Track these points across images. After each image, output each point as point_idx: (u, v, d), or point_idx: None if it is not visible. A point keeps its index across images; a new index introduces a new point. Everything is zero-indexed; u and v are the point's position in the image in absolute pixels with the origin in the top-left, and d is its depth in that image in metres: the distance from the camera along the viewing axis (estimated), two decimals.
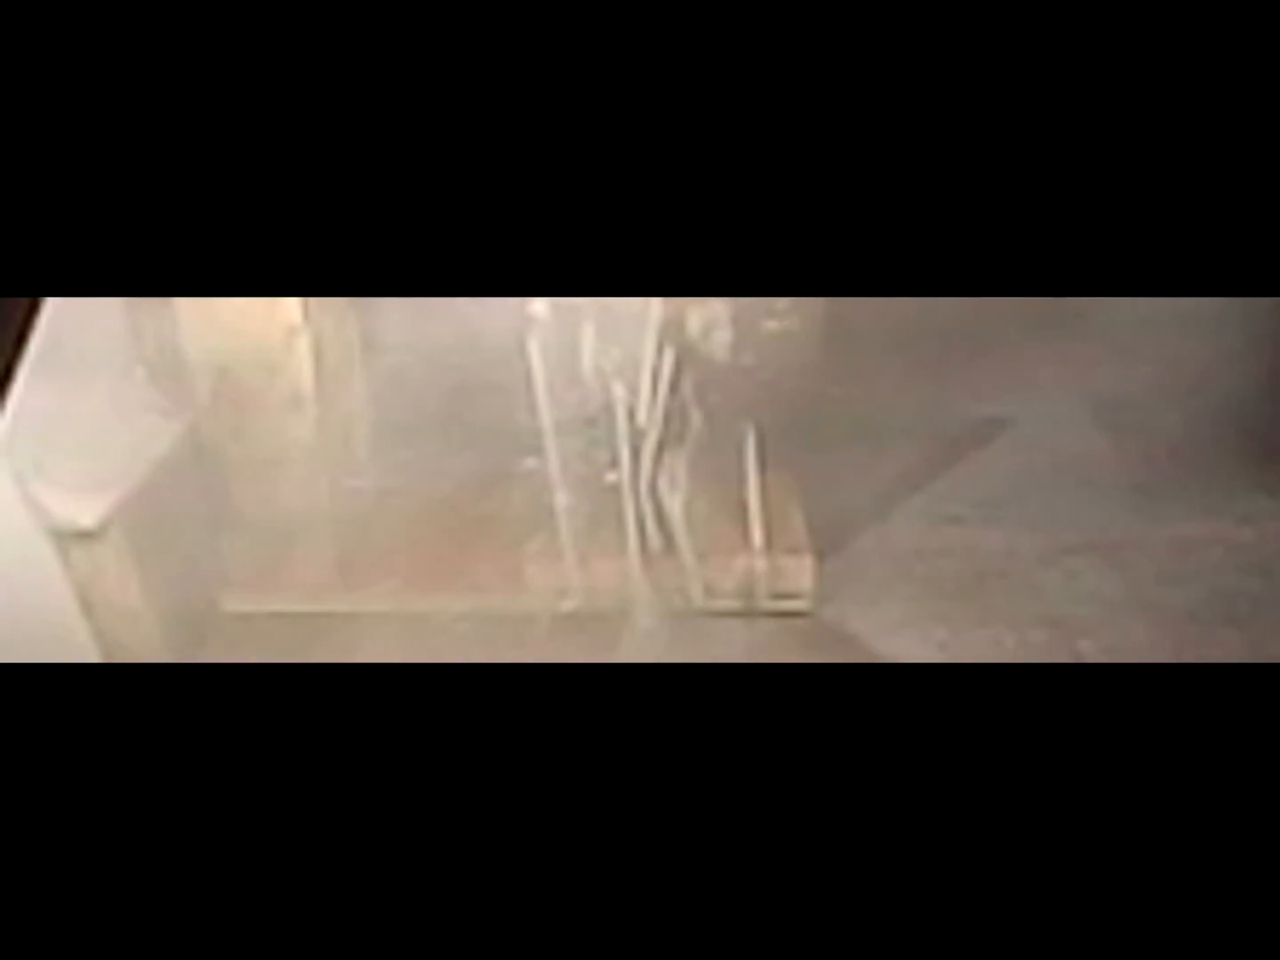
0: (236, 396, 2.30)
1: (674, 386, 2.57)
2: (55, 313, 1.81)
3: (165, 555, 2.27)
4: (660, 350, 2.37)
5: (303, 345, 2.27)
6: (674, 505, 2.36)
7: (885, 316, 3.79)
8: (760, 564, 2.45)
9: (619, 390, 2.34)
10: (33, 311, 1.09)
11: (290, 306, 2.23)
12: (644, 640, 2.37)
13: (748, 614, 2.46)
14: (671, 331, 2.40)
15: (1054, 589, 2.60)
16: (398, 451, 3.05)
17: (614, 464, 2.35)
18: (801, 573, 2.48)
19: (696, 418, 2.59)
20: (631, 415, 2.32)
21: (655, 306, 2.37)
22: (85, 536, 2.03)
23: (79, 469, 2.05)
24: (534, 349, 2.23)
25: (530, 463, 2.44)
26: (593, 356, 2.26)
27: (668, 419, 2.49)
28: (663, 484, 2.34)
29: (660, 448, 2.41)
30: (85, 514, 2.02)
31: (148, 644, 2.20)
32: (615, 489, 2.38)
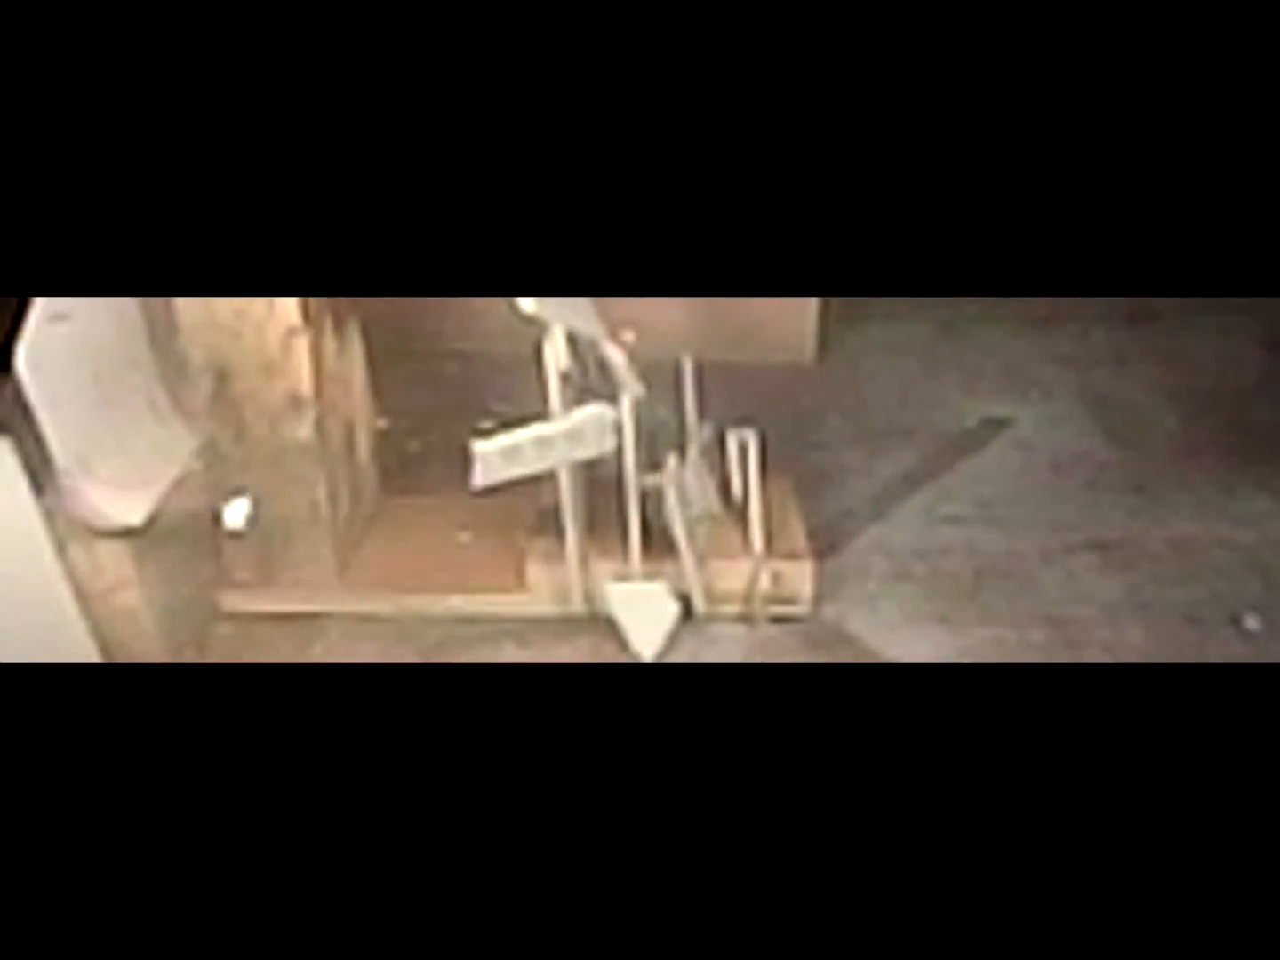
0: (236, 398, 2.30)
1: (678, 390, 2.57)
2: (88, 310, 1.86)
3: (177, 554, 2.31)
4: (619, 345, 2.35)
5: (302, 346, 2.27)
6: (674, 509, 2.35)
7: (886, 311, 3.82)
8: (759, 569, 2.44)
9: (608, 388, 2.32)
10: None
11: (290, 306, 2.23)
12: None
13: (747, 619, 2.46)
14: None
15: (1054, 589, 2.60)
16: (398, 449, 3.07)
17: (618, 466, 2.34)
18: (800, 578, 2.48)
19: (694, 419, 2.59)
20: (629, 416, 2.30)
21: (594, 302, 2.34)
22: (124, 534, 2.09)
23: (123, 469, 2.11)
24: (547, 350, 2.21)
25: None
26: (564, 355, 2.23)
27: (664, 421, 2.49)
28: (666, 487, 2.33)
29: (659, 448, 2.40)
30: (133, 511, 2.09)
31: (149, 642, 2.21)
32: (617, 491, 2.37)
